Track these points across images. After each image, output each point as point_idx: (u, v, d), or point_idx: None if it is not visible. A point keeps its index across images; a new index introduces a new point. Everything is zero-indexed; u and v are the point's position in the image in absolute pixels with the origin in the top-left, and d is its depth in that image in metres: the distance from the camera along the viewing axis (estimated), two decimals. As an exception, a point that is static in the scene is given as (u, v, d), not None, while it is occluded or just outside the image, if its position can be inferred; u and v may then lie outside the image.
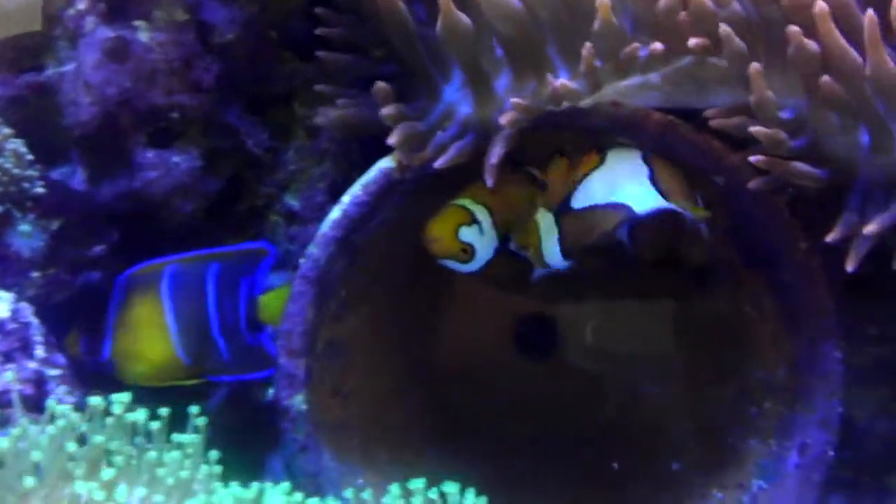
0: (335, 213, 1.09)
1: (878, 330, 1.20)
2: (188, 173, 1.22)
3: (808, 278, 1.08)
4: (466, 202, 1.08)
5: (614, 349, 1.32)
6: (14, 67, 1.20)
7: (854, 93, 0.93)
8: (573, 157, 1.04)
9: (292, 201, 1.29)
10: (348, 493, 1.04)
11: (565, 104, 1.02)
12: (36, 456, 0.86)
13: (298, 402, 1.10)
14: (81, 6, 1.18)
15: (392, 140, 1.04)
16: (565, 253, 1.02)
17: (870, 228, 0.93)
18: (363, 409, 1.19)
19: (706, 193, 1.03)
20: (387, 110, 1.05)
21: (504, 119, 1.00)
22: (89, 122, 1.18)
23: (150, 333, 1.18)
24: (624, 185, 1.00)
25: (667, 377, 1.27)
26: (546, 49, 1.03)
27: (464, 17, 1.00)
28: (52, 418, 0.90)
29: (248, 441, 1.25)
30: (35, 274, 1.12)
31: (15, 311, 1.06)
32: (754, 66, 0.94)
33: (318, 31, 1.15)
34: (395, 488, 0.98)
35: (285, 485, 0.96)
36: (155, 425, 0.92)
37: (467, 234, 1.07)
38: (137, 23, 1.18)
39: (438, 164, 1.04)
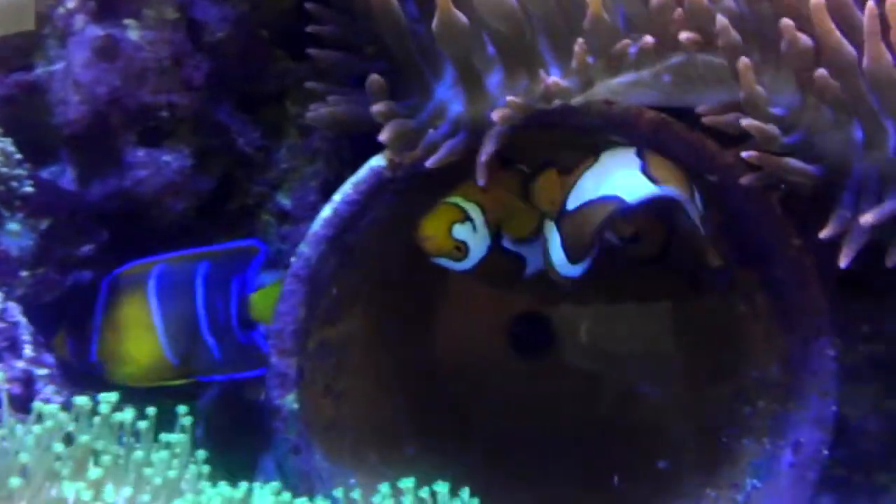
0: (326, 211, 1.09)
1: (871, 327, 1.20)
2: (179, 172, 1.21)
3: (801, 276, 1.07)
4: (458, 200, 1.07)
5: (609, 348, 1.32)
6: (3, 66, 1.19)
7: (848, 87, 0.92)
8: (563, 166, 1.04)
9: (284, 200, 1.29)
10: (338, 492, 1.03)
11: (557, 102, 1.01)
12: (22, 457, 0.86)
13: (290, 401, 1.10)
14: (71, 4, 1.18)
15: (383, 137, 1.04)
16: (570, 257, 1.01)
17: (866, 218, 0.92)
18: (355, 409, 1.19)
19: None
20: (378, 107, 1.04)
21: (496, 115, 1.00)
22: (79, 120, 1.18)
23: (137, 334, 1.17)
24: (614, 177, 0.99)
25: (661, 376, 1.27)
26: (538, 47, 1.03)
27: (461, 16, 0.99)
28: (39, 418, 0.89)
29: (240, 441, 1.25)
30: (24, 273, 1.11)
31: (3, 311, 1.05)
32: (743, 61, 0.94)
33: (309, 29, 1.14)
34: (384, 487, 0.98)
35: (274, 484, 0.96)
36: (143, 425, 0.92)
37: (460, 231, 1.06)
38: (127, 21, 1.18)
39: (430, 163, 1.04)
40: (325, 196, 1.11)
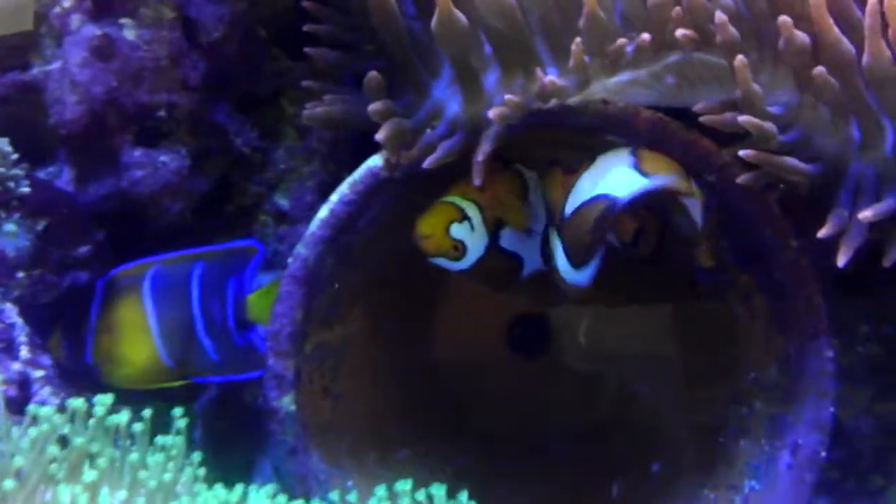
0: (323, 212, 1.08)
1: (869, 328, 1.20)
2: (176, 173, 1.21)
3: (799, 277, 1.07)
4: (456, 199, 1.07)
5: (607, 349, 1.32)
6: (-1, 66, 1.20)
7: (846, 85, 0.92)
8: (565, 165, 1.04)
9: (282, 201, 1.29)
10: (334, 495, 1.03)
11: (554, 101, 1.01)
12: (17, 460, 0.85)
13: (287, 403, 1.09)
14: (67, 4, 1.18)
15: (380, 136, 1.03)
16: (571, 261, 1.01)
17: (865, 214, 0.91)
18: (353, 411, 1.18)
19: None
20: (374, 106, 1.04)
21: (492, 114, 0.99)
22: (75, 120, 1.17)
23: (132, 336, 1.17)
24: (607, 177, 0.99)
25: (659, 377, 1.27)
26: (535, 46, 1.02)
27: (461, 16, 0.99)
28: (35, 421, 0.89)
29: (237, 443, 1.25)
30: (20, 274, 1.11)
31: (-1, 312, 1.05)
32: (739, 59, 0.93)
33: (305, 28, 1.14)
34: (381, 490, 0.97)
35: (269, 487, 0.95)
36: (138, 427, 0.91)
37: (458, 231, 1.06)
38: (123, 20, 1.18)
39: (427, 164, 1.03)
40: (323, 196, 1.11)
